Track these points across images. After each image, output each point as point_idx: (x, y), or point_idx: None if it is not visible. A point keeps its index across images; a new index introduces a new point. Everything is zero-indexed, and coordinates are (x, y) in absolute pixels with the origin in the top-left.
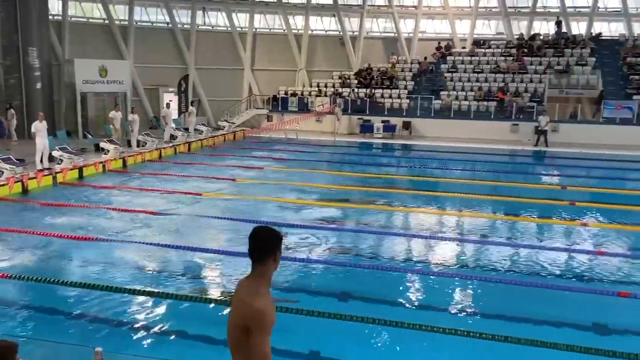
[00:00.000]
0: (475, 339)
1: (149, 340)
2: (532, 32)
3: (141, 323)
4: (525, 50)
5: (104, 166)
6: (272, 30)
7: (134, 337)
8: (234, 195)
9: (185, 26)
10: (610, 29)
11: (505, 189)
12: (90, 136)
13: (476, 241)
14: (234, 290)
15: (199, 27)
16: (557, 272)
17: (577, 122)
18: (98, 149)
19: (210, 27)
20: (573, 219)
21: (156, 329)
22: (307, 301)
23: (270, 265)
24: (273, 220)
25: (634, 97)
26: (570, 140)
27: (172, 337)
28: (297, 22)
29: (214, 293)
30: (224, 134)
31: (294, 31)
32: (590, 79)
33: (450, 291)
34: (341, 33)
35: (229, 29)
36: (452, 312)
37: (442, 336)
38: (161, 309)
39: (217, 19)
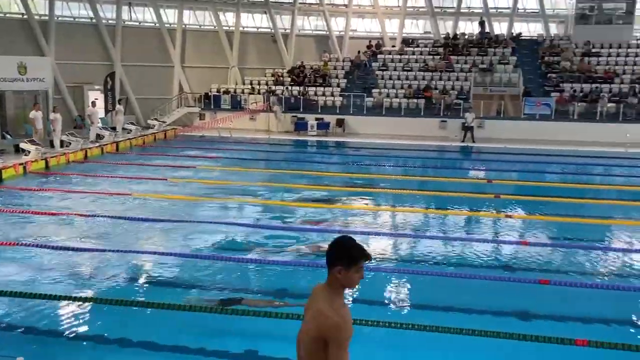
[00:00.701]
0: (408, 330)
1: (73, 347)
2: (457, 32)
3: (65, 330)
4: (452, 49)
5: (24, 168)
6: (202, 27)
7: (58, 345)
8: (165, 196)
9: (110, 22)
10: (530, 30)
11: (434, 184)
12: (9, 137)
13: (406, 235)
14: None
15: (125, 22)
16: (484, 263)
17: (501, 118)
18: (18, 150)
19: (137, 23)
20: (498, 211)
21: (80, 335)
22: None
23: (337, 276)
24: (208, 220)
25: (552, 94)
26: (495, 135)
27: (99, 343)
28: (228, 18)
29: (144, 296)
30: (154, 133)
31: (224, 28)
32: (512, 77)
33: (383, 285)
34: (273, 30)
35: (157, 25)
36: (386, 305)
37: (373, 329)
38: (86, 315)
39: (144, 15)
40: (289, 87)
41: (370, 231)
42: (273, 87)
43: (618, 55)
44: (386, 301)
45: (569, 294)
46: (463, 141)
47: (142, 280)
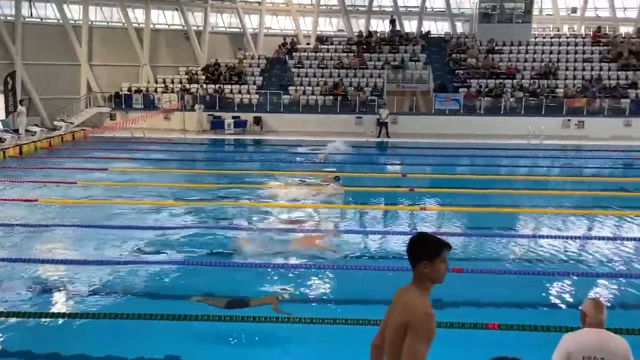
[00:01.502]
0: (331, 325)
1: None
2: (369, 30)
3: None
4: (365, 46)
5: None
6: (110, 24)
7: None
8: (75, 200)
9: (9, 18)
10: (437, 28)
11: (351, 179)
12: None
13: (328, 230)
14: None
15: (26, 19)
16: (401, 255)
17: (413, 114)
18: None
19: (39, 20)
20: (413, 204)
21: None
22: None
23: (423, 271)
24: (120, 224)
25: (460, 90)
26: (408, 130)
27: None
28: (138, 15)
29: (55, 307)
30: (62, 135)
31: (134, 25)
32: (422, 74)
33: (304, 281)
34: (185, 27)
35: (61, 21)
36: (306, 302)
37: (276, 325)
38: None
39: (46, 11)
40: (204, 85)
41: (291, 228)
42: (187, 86)
43: (519, 52)
44: (307, 298)
45: (481, 280)
46: (378, 137)
47: (53, 289)
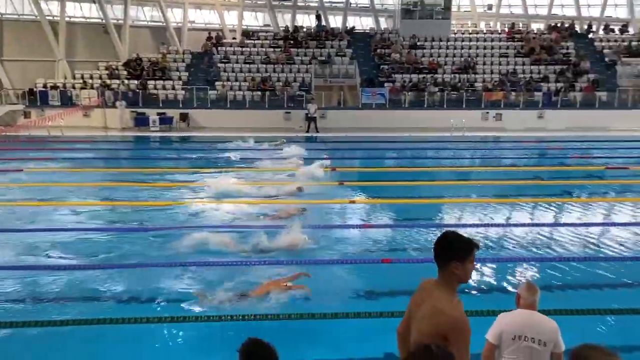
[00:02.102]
0: (251, 320)
1: None
2: (295, 25)
3: None
4: (292, 41)
5: None
6: (21, 17)
7: None
8: None
9: None
10: (362, 23)
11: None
12: None
13: (259, 227)
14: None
15: None
16: (332, 247)
17: (341, 108)
18: None
19: None
20: (342, 197)
21: None
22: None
23: (454, 272)
24: (36, 227)
25: (385, 84)
26: (336, 125)
27: None
28: (52, 8)
29: None
30: None
31: (48, 18)
32: (349, 69)
33: (232, 277)
34: (104, 21)
35: None
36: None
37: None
38: None
39: None
40: (126, 81)
41: (222, 224)
42: (108, 81)
43: (440, 47)
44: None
45: (409, 270)
46: (307, 131)
47: None
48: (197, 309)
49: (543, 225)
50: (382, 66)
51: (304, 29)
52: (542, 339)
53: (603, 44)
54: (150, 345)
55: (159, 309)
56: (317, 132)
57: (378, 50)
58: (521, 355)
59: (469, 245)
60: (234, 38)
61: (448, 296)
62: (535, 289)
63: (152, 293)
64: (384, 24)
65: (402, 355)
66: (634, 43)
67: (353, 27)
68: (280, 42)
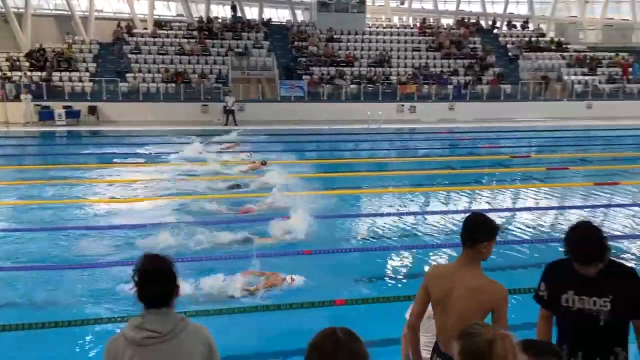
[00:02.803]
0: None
1: None
2: (210, 15)
3: None
4: (206, 32)
5: None
6: None
7: None
8: None
9: None
10: (279, 15)
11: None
12: None
13: (181, 222)
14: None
15: None
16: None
17: (260, 101)
18: None
19: None
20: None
21: None
22: None
23: (482, 251)
24: None
25: (304, 77)
26: (255, 117)
27: None
28: None
29: None
30: None
31: None
32: (266, 61)
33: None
34: (3, 9)
35: None
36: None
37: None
38: None
39: None
40: (28, 73)
41: (135, 224)
42: (9, 73)
43: (356, 41)
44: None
45: (328, 260)
46: (226, 124)
47: None
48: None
49: (455, 212)
50: (299, 59)
51: (219, 20)
52: None
53: (507, 39)
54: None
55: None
56: (236, 125)
57: (295, 43)
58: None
59: (495, 227)
60: (145, 28)
61: (479, 273)
62: None
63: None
64: (300, 16)
65: (412, 349)
66: (533, 38)
67: (270, 19)
68: (195, 33)
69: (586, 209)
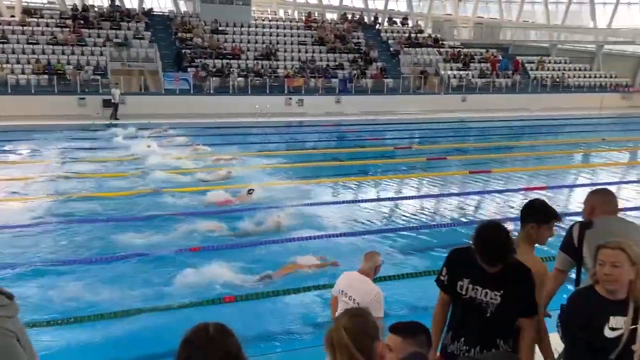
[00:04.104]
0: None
1: None
2: (85, 4)
3: None
4: (82, 21)
5: None
6: None
7: None
8: None
9: None
10: (160, 5)
11: (81, 165)
12: None
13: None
14: None
15: None
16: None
17: (142, 94)
18: None
19: None
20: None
21: None
22: None
23: (529, 233)
24: None
25: (189, 69)
26: (137, 111)
27: None
28: None
29: None
30: None
31: None
32: (149, 53)
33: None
34: None
35: None
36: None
37: None
38: None
39: None
40: None
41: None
42: None
43: (242, 33)
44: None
45: (220, 255)
46: (116, 118)
47: None
48: None
49: (342, 203)
50: (184, 50)
51: (95, 9)
52: (356, 299)
53: (388, 34)
54: None
55: None
56: (117, 119)
57: (179, 34)
58: (341, 308)
59: (547, 214)
60: (12, 16)
61: (524, 250)
62: (370, 257)
63: None
64: (183, 6)
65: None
66: (413, 35)
67: (151, 9)
68: (69, 22)
69: (463, 196)
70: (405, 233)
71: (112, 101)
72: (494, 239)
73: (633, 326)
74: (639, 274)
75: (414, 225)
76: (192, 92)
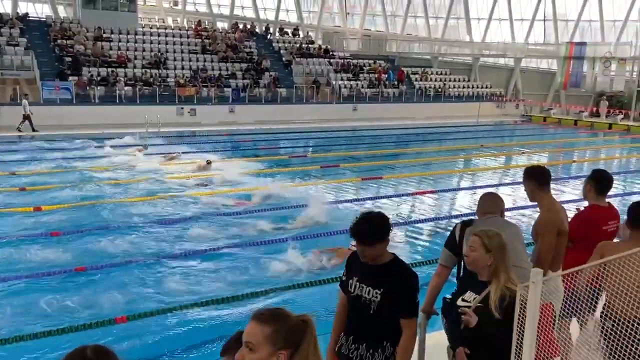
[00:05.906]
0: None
1: None
2: None
3: None
4: None
5: None
6: None
7: None
8: None
9: None
10: (37, 10)
11: None
12: None
13: None
14: None
15: None
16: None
17: (18, 104)
18: None
19: None
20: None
21: None
22: None
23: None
24: None
25: (70, 78)
26: (14, 122)
27: None
28: None
29: None
30: None
31: None
32: (24, 60)
33: None
34: None
35: None
36: None
37: None
38: None
39: None
40: None
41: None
42: None
43: (128, 41)
44: None
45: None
46: (33, 130)
47: None
48: None
49: (237, 214)
50: (64, 58)
51: None
52: None
53: (280, 44)
54: None
55: None
56: (21, 131)
57: (58, 41)
58: None
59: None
60: None
61: None
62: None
63: None
64: (63, 12)
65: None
66: (304, 45)
67: (26, 14)
68: None
69: (355, 202)
70: (304, 239)
71: (24, 114)
72: (367, 219)
73: (480, 304)
74: (495, 260)
75: (309, 233)
76: (74, 101)
